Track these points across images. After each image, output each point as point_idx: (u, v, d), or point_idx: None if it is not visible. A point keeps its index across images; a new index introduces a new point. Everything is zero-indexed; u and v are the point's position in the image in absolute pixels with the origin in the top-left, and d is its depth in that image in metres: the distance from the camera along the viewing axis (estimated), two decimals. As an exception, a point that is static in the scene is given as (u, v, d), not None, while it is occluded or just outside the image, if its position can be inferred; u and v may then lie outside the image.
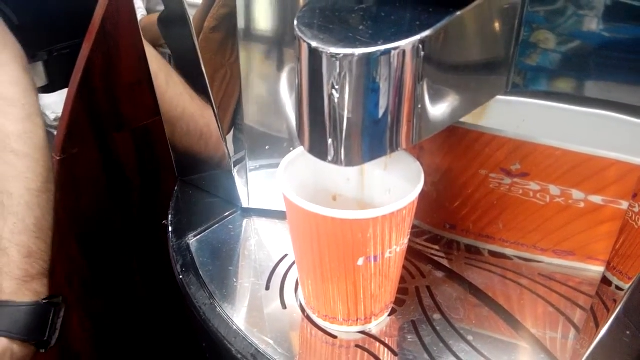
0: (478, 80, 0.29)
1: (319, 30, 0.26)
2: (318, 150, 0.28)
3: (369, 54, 0.24)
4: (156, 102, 0.59)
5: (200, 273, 0.41)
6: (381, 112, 0.26)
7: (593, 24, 0.29)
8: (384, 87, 0.25)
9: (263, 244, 0.46)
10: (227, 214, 0.49)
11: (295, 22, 0.27)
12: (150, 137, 0.74)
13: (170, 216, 0.49)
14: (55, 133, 0.69)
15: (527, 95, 0.33)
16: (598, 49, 0.29)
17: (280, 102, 0.46)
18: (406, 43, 0.24)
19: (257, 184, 0.48)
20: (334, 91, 0.25)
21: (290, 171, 0.36)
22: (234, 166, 0.50)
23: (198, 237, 0.46)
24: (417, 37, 0.24)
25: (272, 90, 0.47)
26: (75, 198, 0.69)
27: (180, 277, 0.41)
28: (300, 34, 0.26)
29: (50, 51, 0.78)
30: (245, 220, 0.49)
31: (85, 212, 0.70)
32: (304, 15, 0.27)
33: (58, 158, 0.66)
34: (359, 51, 0.24)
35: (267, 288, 0.41)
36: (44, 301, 0.48)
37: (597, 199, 0.36)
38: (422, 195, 0.36)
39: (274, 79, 0.45)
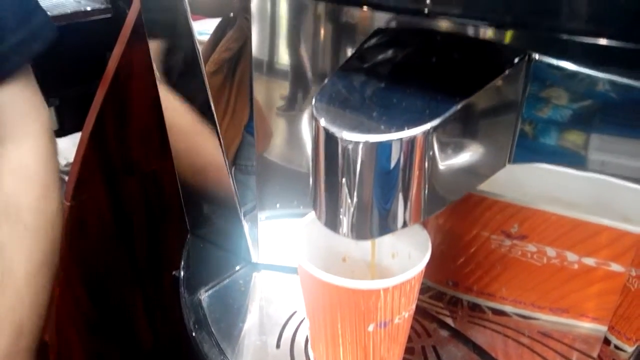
0: (482, 157, 0.31)
1: (335, 114, 0.28)
2: (331, 222, 0.30)
3: (381, 142, 0.26)
4: (165, 147, 0.61)
5: (212, 330, 0.43)
6: (391, 194, 0.27)
7: (589, 107, 0.31)
8: (393, 171, 0.27)
9: (273, 300, 0.47)
10: (237, 268, 0.51)
11: (313, 103, 0.29)
12: (158, 181, 0.76)
13: (182, 270, 0.50)
14: (67, 179, 0.71)
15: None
16: (594, 130, 0.32)
17: (295, 157, 0.48)
18: (416, 132, 0.26)
19: (267, 238, 0.50)
20: (347, 173, 0.27)
21: (304, 233, 0.38)
22: (244, 216, 0.52)
23: (209, 292, 0.47)
24: (426, 126, 0.26)
25: (287, 140, 0.48)
26: (83, 242, 0.70)
27: (194, 334, 0.43)
28: (317, 116, 0.28)
29: (62, 97, 0.80)
30: (255, 275, 0.50)
31: (92, 255, 0.71)
32: (321, 96, 0.29)
33: (68, 204, 0.68)
34: (372, 138, 0.26)
35: (278, 346, 0.42)
36: None
37: (590, 261, 0.38)
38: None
39: (289, 124, 0.47)
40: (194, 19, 0.48)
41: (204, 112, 0.51)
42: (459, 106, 0.27)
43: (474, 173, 0.31)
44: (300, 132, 0.47)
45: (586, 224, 0.37)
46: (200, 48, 0.53)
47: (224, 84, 0.58)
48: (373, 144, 0.26)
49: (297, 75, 0.44)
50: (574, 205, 0.37)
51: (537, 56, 0.29)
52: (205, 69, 0.57)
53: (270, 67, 0.45)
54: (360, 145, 0.26)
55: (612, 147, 0.34)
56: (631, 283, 0.38)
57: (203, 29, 0.51)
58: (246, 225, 0.50)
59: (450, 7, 0.26)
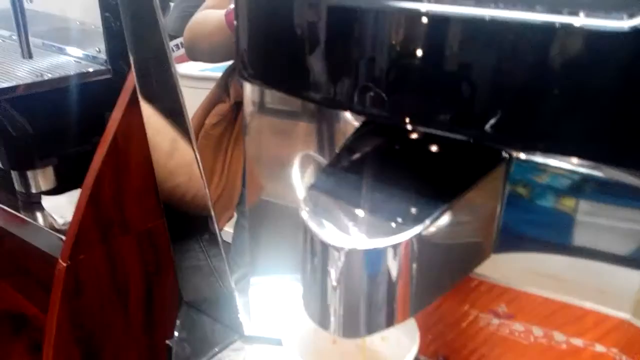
0: (467, 253, 0.32)
1: (322, 216, 0.30)
2: (321, 321, 0.31)
3: (368, 250, 0.27)
4: (160, 205, 0.62)
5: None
6: (378, 296, 0.29)
7: (569, 199, 0.33)
8: (380, 275, 0.28)
9: (265, 375, 0.47)
10: (229, 341, 0.51)
11: (302, 204, 0.31)
12: (154, 240, 0.76)
13: (174, 342, 0.51)
14: (64, 238, 0.71)
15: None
16: (576, 219, 0.34)
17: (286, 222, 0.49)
18: (402, 238, 0.28)
19: (259, 309, 0.51)
20: (334, 277, 0.28)
21: (294, 314, 0.38)
22: (235, 284, 0.53)
23: (201, 366, 0.48)
24: (412, 231, 0.28)
25: (279, 204, 0.50)
26: (79, 302, 0.70)
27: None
28: (306, 220, 0.30)
29: (60, 156, 0.82)
30: (247, 348, 0.51)
31: (88, 316, 0.72)
32: (310, 197, 0.31)
33: (65, 265, 0.68)
34: (359, 245, 0.28)
35: None
36: None
37: (578, 341, 0.39)
38: (418, 326, 0.39)
39: (280, 186, 0.48)
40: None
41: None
42: (443, 210, 0.29)
43: (459, 268, 0.33)
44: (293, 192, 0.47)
45: (571, 306, 0.38)
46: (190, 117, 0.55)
47: (223, 136, 0.60)
48: (360, 250, 0.28)
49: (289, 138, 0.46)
50: (557, 287, 0.38)
51: (517, 155, 0.31)
52: (207, 121, 0.59)
53: (261, 129, 0.46)
54: (348, 252, 0.28)
55: (594, 236, 0.35)
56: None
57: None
58: (238, 296, 0.51)
59: (430, 124, 0.27)
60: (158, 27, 0.50)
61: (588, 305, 0.37)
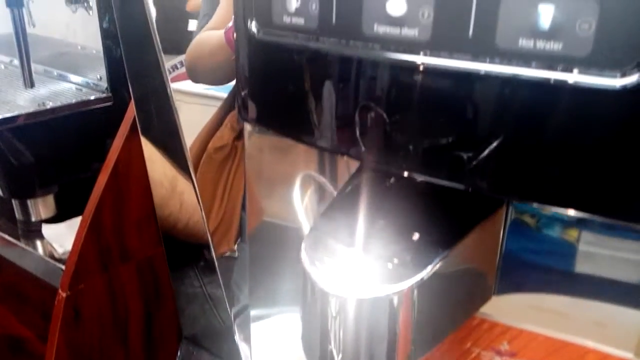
0: (468, 297, 0.32)
1: (322, 262, 0.30)
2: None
3: (368, 299, 0.28)
4: (160, 233, 0.62)
5: None
6: (378, 344, 0.29)
7: (568, 241, 0.33)
8: (380, 324, 0.28)
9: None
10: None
11: (302, 249, 0.31)
12: (153, 268, 0.76)
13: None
14: (64, 268, 0.71)
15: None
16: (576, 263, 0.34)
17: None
18: (402, 287, 0.28)
19: (259, 344, 0.50)
20: (334, 324, 0.28)
21: (295, 355, 0.38)
22: (234, 318, 0.52)
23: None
24: (412, 280, 0.28)
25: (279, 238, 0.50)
26: (78, 332, 0.70)
27: None
28: (305, 266, 0.30)
29: (61, 183, 0.82)
30: (247, 383, 0.50)
31: (87, 346, 0.71)
32: (309, 242, 0.31)
33: (64, 295, 0.68)
34: (359, 294, 0.28)
35: None
36: None
37: (582, 380, 0.38)
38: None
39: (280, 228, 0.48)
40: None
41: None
42: (444, 256, 0.29)
43: (459, 312, 0.33)
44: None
45: (572, 345, 0.38)
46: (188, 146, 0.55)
47: (226, 160, 0.60)
48: (360, 300, 0.28)
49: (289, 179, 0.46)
50: (559, 324, 0.38)
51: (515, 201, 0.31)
52: (210, 145, 0.59)
53: (261, 148, 0.47)
54: (348, 301, 0.28)
55: (598, 268, 0.35)
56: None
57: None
58: (237, 330, 0.51)
59: (428, 173, 0.28)
60: (159, 63, 0.50)
61: (590, 344, 0.37)
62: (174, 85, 0.57)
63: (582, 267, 0.35)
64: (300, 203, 0.46)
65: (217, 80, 0.55)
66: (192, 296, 0.74)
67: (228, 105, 0.57)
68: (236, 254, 0.60)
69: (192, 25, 0.54)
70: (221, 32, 0.50)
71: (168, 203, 0.64)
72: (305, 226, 0.46)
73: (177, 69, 0.56)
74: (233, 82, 0.53)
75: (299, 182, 0.46)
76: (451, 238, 0.30)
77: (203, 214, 0.58)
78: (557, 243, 0.35)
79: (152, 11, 0.54)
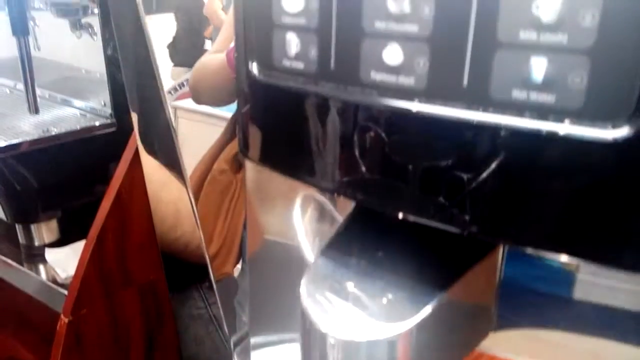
0: (467, 334, 0.33)
1: (320, 302, 0.30)
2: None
3: (366, 341, 0.28)
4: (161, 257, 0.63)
5: None
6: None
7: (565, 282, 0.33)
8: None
9: None
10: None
11: (300, 289, 0.31)
12: (155, 291, 0.77)
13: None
14: (66, 293, 0.72)
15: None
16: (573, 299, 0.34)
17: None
18: (401, 329, 0.28)
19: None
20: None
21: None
22: (234, 347, 0.52)
23: None
24: (411, 321, 0.28)
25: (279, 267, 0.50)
26: (79, 357, 0.70)
27: None
28: (304, 308, 0.30)
29: (64, 209, 0.83)
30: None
31: (89, 370, 0.71)
32: (307, 284, 0.31)
33: (67, 320, 0.69)
34: (357, 337, 0.28)
35: None
36: None
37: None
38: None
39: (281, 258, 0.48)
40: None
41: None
42: (440, 298, 0.29)
43: (459, 350, 0.33)
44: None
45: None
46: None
47: (230, 182, 0.60)
48: (359, 342, 0.28)
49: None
50: (557, 355, 0.38)
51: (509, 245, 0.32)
52: (214, 166, 0.60)
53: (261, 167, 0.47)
54: (347, 343, 0.28)
55: (596, 296, 0.35)
56: None
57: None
58: (237, 358, 0.51)
59: (423, 216, 0.28)
60: (157, 84, 0.51)
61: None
62: (179, 103, 0.58)
63: (581, 295, 0.35)
64: (301, 223, 0.47)
65: (219, 101, 0.56)
66: (196, 317, 0.74)
67: (232, 127, 0.58)
68: (237, 274, 0.61)
69: (208, 44, 0.55)
70: (223, 54, 0.51)
71: (182, 223, 0.65)
72: (306, 247, 0.46)
73: (183, 86, 0.57)
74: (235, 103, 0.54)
75: (299, 202, 0.46)
76: (449, 277, 0.30)
77: (201, 233, 0.58)
78: (556, 271, 0.36)
79: (153, 41, 0.55)
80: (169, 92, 0.59)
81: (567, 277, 0.35)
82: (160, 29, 0.57)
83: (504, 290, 0.36)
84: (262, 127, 0.34)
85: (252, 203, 0.49)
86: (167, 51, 0.57)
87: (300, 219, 0.46)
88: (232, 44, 0.45)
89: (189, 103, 0.56)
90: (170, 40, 0.57)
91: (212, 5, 0.54)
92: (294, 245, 0.46)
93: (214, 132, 0.57)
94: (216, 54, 0.54)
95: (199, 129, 0.59)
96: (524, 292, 0.37)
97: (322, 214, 0.44)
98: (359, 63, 0.28)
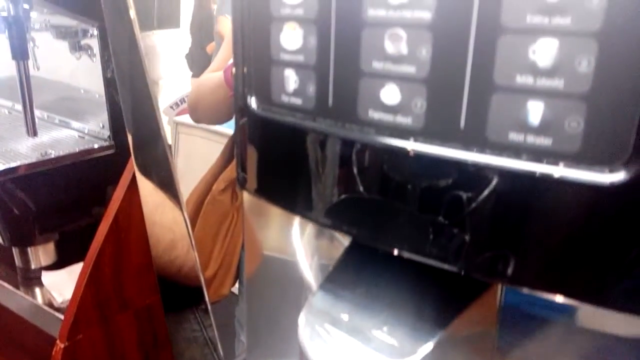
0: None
1: (317, 340, 0.30)
2: None
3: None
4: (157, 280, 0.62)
5: None
6: None
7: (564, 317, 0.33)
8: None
9: None
10: None
11: (299, 325, 0.31)
12: (151, 315, 0.76)
13: None
14: (62, 317, 0.71)
15: None
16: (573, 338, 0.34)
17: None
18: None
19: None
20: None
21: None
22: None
23: None
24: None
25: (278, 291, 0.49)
26: (75, 383, 0.69)
27: None
28: (302, 346, 0.30)
29: (62, 232, 0.82)
30: None
31: (84, 396, 0.70)
32: (306, 319, 0.31)
33: (62, 346, 0.68)
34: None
35: None
36: None
37: None
38: None
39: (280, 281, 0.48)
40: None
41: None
42: (438, 337, 0.29)
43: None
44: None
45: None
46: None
47: (231, 202, 0.60)
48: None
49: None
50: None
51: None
52: (214, 186, 0.60)
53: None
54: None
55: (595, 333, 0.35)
56: None
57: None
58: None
59: (419, 254, 0.28)
60: (152, 106, 0.51)
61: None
62: (180, 119, 0.58)
63: (582, 322, 0.35)
64: (299, 242, 0.47)
65: (217, 119, 0.56)
66: (192, 340, 0.73)
67: (231, 148, 0.58)
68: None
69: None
70: (220, 72, 0.52)
71: (176, 246, 0.65)
72: (305, 266, 0.46)
73: (184, 102, 0.58)
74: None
75: (298, 220, 0.46)
76: (449, 311, 0.30)
77: (196, 255, 0.58)
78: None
79: (147, 62, 0.56)
80: (170, 107, 0.60)
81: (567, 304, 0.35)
82: (166, 44, 0.58)
83: (504, 316, 0.36)
84: (259, 160, 0.34)
85: (250, 223, 0.48)
86: (185, 62, 0.58)
87: (299, 237, 0.46)
88: (230, 61, 0.46)
89: (190, 118, 0.56)
90: (187, 51, 0.58)
91: (223, 27, 0.55)
92: (293, 262, 0.46)
93: (214, 147, 0.57)
94: (213, 72, 0.54)
95: (200, 145, 0.59)
96: (524, 318, 0.37)
97: (320, 232, 0.44)
98: (357, 101, 0.28)
